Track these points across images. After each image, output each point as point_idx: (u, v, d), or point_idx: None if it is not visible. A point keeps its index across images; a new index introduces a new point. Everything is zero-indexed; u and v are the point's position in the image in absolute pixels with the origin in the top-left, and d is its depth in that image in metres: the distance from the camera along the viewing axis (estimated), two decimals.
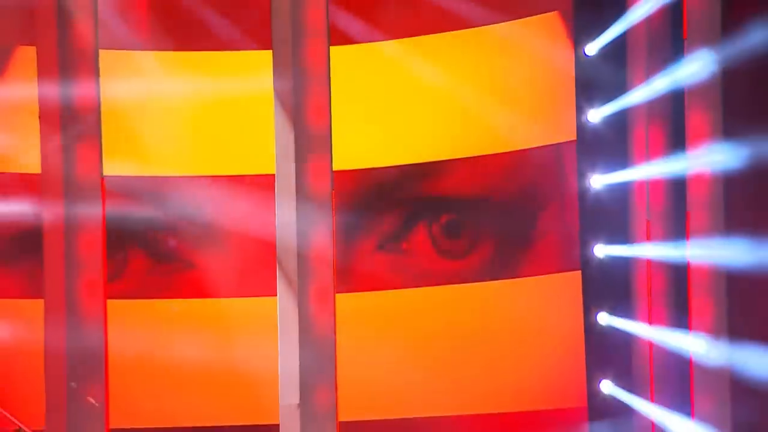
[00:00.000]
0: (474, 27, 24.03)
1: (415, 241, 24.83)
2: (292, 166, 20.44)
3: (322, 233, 20.37)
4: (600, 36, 21.99)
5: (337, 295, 21.25)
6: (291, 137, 20.51)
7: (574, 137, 22.60)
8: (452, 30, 24.15)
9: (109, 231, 21.91)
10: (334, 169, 21.22)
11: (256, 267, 23.00)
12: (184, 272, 24.57)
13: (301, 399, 19.85)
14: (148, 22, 24.70)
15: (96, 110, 20.30)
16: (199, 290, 24.60)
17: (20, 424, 20.72)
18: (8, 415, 21.30)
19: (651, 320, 22.25)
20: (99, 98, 20.43)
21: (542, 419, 23.77)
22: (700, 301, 21.72)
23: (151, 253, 24.61)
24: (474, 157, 24.21)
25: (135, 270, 24.43)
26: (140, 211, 23.90)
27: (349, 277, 24.30)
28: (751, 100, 21.36)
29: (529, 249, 23.90)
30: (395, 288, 24.62)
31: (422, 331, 24.66)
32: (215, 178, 24.11)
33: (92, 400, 20.14)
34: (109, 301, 21.48)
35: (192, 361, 24.10)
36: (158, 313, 24.47)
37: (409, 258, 24.88)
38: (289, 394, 19.91)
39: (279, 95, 20.49)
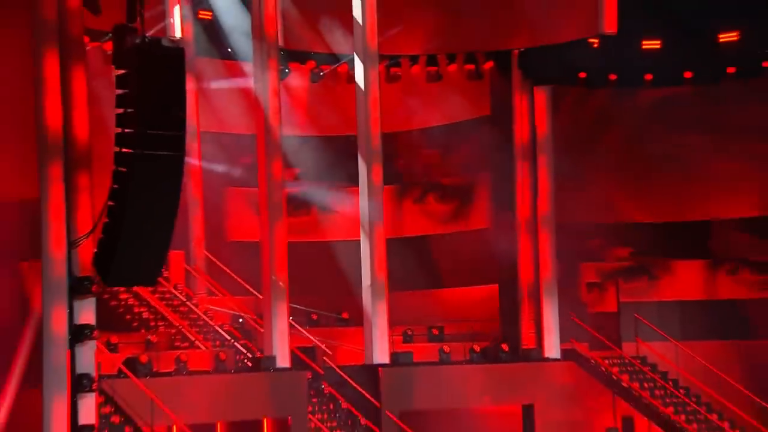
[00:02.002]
0: None
1: (427, 200, 29.56)
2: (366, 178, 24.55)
3: (377, 209, 24.49)
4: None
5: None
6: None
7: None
8: None
9: (300, 200, 28.23)
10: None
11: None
12: (331, 216, 28.80)
13: (371, 282, 24.25)
14: None
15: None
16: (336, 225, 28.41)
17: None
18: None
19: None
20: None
21: None
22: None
23: (318, 206, 28.90)
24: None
25: (315, 213, 28.85)
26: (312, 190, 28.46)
27: (401, 214, 29.31)
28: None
29: (470, 206, 28.66)
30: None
31: None
32: None
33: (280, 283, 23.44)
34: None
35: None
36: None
37: (424, 206, 29.50)
38: (366, 280, 24.30)
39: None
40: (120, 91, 15.85)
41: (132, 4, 16.47)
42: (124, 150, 15.71)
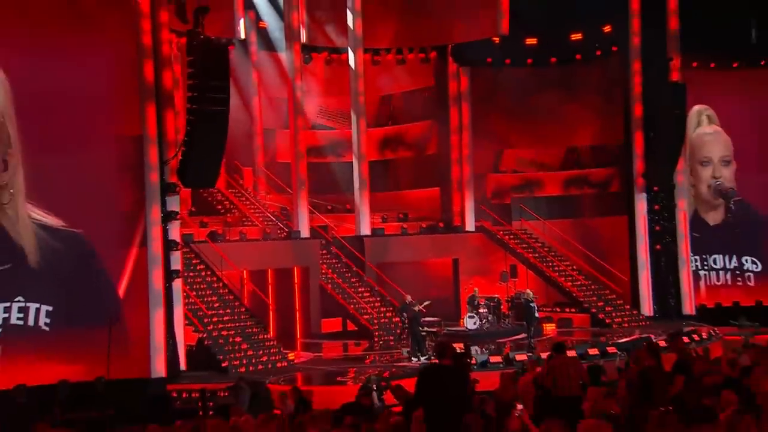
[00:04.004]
0: None
1: (397, 141, 28.46)
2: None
3: (362, 141, 24.19)
4: None
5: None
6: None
7: None
8: None
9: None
10: None
11: None
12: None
13: (359, 185, 23.92)
14: None
15: None
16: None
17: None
18: None
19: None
20: None
21: None
22: None
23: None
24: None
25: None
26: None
27: (384, 154, 28.14)
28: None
29: (425, 141, 27.66)
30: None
31: None
32: None
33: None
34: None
35: None
36: None
37: (396, 148, 28.35)
38: (356, 184, 24.09)
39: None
40: (190, 71, 16.05)
41: (197, 17, 16.63)
42: (193, 106, 16.00)
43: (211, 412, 13.35)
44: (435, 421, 6.19)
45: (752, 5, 22.40)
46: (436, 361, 7.18)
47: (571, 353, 15.98)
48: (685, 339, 17.13)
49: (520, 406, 6.14)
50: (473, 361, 15.55)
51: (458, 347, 8.59)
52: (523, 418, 5.19)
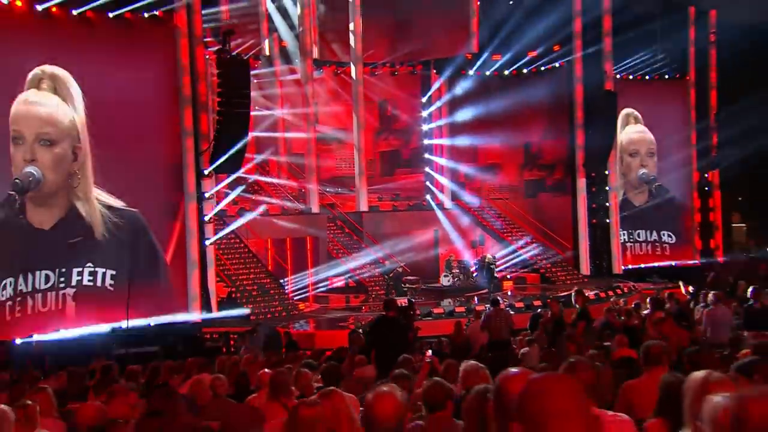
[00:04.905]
0: None
1: (388, 135, 28.80)
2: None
3: (362, 139, 24.30)
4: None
5: None
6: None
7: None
8: None
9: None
10: None
11: None
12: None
13: (358, 171, 23.63)
14: None
15: None
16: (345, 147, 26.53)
17: None
18: None
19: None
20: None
21: None
22: None
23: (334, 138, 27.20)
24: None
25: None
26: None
27: (380, 146, 27.91)
28: None
29: (410, 135, 27.25)
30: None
31: None
32: None
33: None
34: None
35: None
36: None
37: (387, 139, 27.79)
38: (356, 170, 23.88)
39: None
40: (219, 80, 16.02)
41: (225, 38, 16.63)
42: (221, 109, 16.02)
43: (233, 350, 13.52)
44: (382, 359, 6.42)
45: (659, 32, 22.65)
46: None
47: (519, 305, 16.99)
48: (590, 294, 17.10)
49: (428, 353, 6.35)
50: (417, 313, 15.42)
51: (401, 302, 8.74)
52: (434, 363, 5.38)
